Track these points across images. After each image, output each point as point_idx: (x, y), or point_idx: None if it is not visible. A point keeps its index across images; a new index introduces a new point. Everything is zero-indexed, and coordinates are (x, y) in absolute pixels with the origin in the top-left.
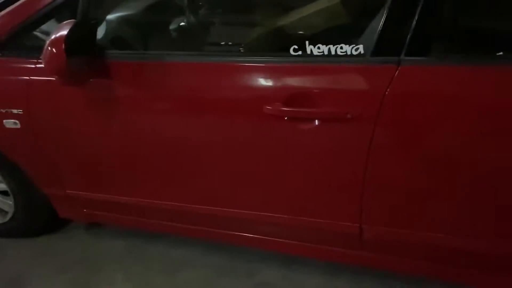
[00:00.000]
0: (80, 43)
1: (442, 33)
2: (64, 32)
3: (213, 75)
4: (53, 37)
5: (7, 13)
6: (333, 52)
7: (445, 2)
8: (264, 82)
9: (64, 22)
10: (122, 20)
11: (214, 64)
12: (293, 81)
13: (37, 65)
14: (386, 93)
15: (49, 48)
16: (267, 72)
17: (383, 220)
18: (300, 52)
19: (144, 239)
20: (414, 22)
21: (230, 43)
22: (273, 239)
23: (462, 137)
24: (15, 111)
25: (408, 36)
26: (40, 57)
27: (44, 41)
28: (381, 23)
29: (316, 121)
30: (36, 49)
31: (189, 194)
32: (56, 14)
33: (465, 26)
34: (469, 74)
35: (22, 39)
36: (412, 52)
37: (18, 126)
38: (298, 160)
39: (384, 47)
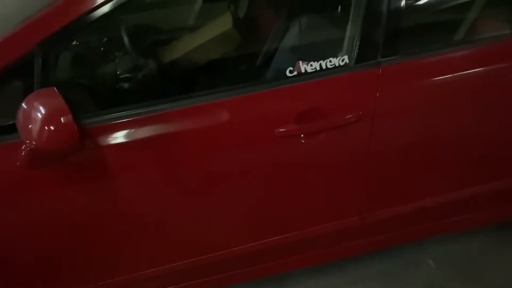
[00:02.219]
0: None
1: (404, 34)
2: (59, 102)
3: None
4: (41, 113)
5: None
6: (324, 67)
7: (400, 9)
8: (270, 108)
9: (37, 92)
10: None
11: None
12: (297, 101)
13: None
14: (377, 92)
15: (47, 126)
16: (269, 98)
17: (383, 203)
18: (295, 73)
19: None
20: (383, 29)
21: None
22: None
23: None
24: None
25: (380, 41)
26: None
27: None
28: (357, 34)
29: (326, 131)
30: None
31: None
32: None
33: (417, 25)
34: (431, 61)
35: None
36: (387, 54)
37: None
38: (314, 171)
39: (363, 54)
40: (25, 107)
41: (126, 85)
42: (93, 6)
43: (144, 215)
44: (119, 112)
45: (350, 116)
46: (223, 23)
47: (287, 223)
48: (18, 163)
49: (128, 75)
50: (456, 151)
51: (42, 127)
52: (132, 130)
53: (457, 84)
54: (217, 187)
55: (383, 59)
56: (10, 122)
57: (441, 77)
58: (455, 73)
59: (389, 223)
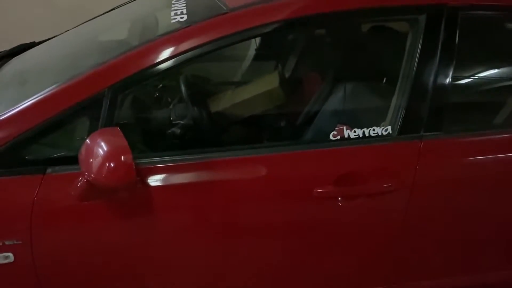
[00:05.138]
0: None
1: (448, 111)
2: (122, 142)
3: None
4: (104, 150)
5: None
6: (367, 134)
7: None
8: (310, 167)
9: (102, 130)
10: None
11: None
12: (338, 164)
13: (45, 180)
14: (417, 165)
15: (107, 163)
16: (311, 158)
17: (411, 276)
18: (339, 137)
19: None
20: (428, 104)
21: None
22: None
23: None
24: (8, 242)
25: (425, 116)
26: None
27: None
28: (402, 106)
29: (363, 197)
30: (39, 162)
31: None
32: (68, 122)
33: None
34: (473, 141)
35: (21, 153)
36: (430, 129)
37: (11, 260)
38: (347, 234)
39: (406, 126)
40: (89, 142)
41: (177, 131)
42: (159, 60)
43: (178, 256)
44: (166, 156)
45: (389, 185)
46: (270, 81)
47: (311, 283)
48: (72, 193)
49: (180, 121)
50: (491, 232)
51: (103, 163)
52: (177, 174)
53: (497, 166)
54: (249, 239)
55: (426, 134)
56: (73, 154)
57: (482, 157)
58: (496, 155)
59: None
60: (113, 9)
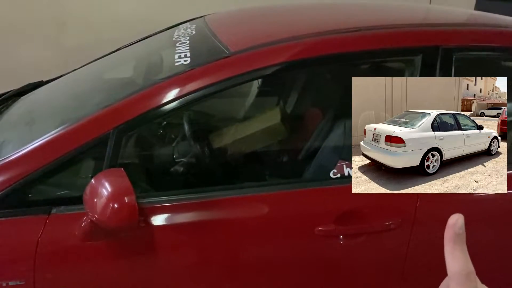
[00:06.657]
0: None
1: None
2: (125, 183)
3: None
4: (108, 191)
5: (7, 163)
6: None
7: None
8: (312, 206)
9: (107, 171)
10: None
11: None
12: (339, 202)
13: (49, 221)
14: (418, 202)
15: (111, 204)
16: (312, 196)
17: None
18: (339, 175)
19: None
20: None
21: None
22: None
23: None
24: (12, 283)
25: None
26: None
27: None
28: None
29: (365, 235)
30: (45, 203)
31: None
32: (73, 164)
33: None
34: None
35: (28, 193)
36: None
37: None
38: (347, 272)
39: None
40: (94, 182)
41: (180, 169)
42: (163, 103)
43: None
44: (169, 195)
45: (390, 222)
46: (271, 117)
47: None
48: (76, 233)
49: (182, 159)
50: (493, 267)
51: (106, 204)
52: (179, 214)
53: (497, 200)
54: (252, 277)
55: None
56: (77, 194)
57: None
58: None
59: None
60: (119, 49)
